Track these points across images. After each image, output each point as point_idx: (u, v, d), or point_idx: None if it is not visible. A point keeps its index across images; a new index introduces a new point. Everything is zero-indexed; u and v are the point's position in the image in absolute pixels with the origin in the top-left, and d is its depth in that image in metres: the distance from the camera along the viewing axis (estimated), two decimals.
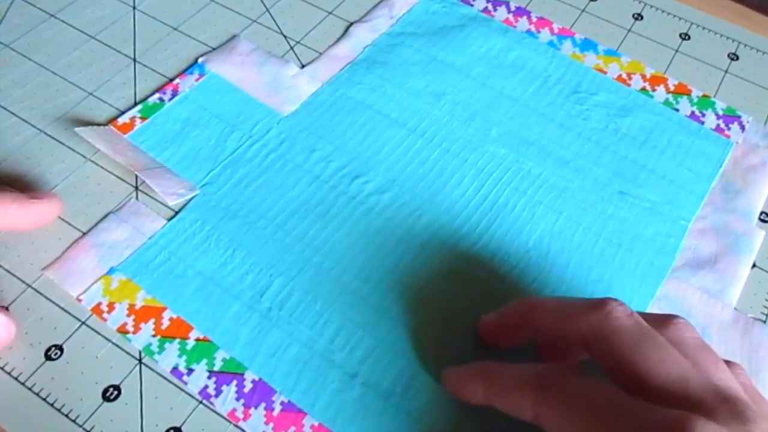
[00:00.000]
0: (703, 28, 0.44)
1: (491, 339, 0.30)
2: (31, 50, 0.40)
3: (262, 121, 0.38)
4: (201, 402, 0.29)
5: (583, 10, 0.45)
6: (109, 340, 0.30)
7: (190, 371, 0.29)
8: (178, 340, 0.30)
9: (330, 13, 0.43)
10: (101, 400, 0.29)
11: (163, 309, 0.31)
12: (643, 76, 0.41)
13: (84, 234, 0.33)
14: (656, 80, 0.41)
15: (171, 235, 0.33)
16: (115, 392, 0.29)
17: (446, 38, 0.42)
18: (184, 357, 0.30)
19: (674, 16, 0.45)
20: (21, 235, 0.33)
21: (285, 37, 0.42)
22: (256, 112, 0.38)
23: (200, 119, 0.37)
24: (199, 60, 0.40)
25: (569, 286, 0.33)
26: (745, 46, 0.44)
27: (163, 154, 0.36)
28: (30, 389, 0.29)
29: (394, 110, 0.38)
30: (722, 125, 0.39)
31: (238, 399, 0.29)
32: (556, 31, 0.43)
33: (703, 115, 0.39)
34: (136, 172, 0.34)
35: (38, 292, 0.31)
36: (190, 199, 0.34)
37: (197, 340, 0.30)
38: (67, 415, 0.28)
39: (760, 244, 0.35)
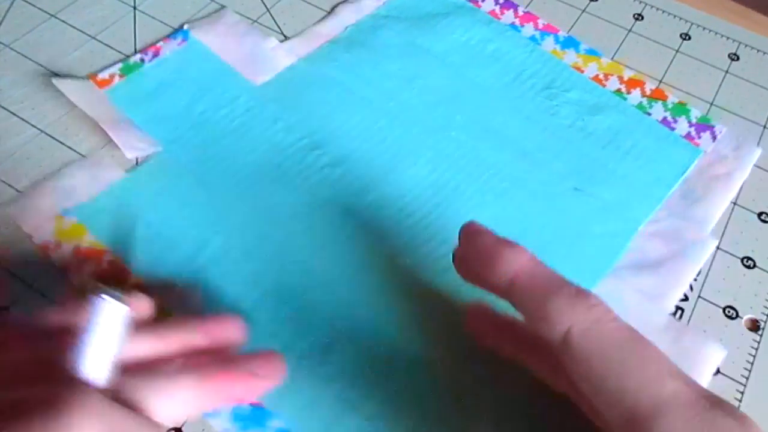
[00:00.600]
0: (704, 28, 0.44)
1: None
2: (31, 50, 0.40)
3: (234, 88, 0.39)
4: None
5: (584, 11, 0.45)
6: None
7: None
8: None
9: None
10: None
11: (105, 251, 0.32)
12: (621, 78, 0.40)
13: (45, 178, 0.35)
14: (633, 83, 0.40)
15: (127, 185, 0.35)
16: None
17: (428, 24, 0.42)
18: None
19: (675, 16, 0.45)
20: (21, 234, 0.33)
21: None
22: (230, 80, 0.39)
23: (175, 82, 0.39)
24: (185, 26, 0.41)
25: None
26: (746, 46, 0.43)
27: (135, 111, 0.37)
28: None
29: (363, 89, 0.39)
30: (693, 133, 0.38)
31: None
32: (540, 26, 0.43)
33: (675, 122, 0.39)
34: (101, 125, 0.35)
35: (38, 292, 0.31)
36: (152, 155, 0.36)
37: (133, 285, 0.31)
38: None
39: (759, 244, 0.35)
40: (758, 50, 0.43)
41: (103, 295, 0.23)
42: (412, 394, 0.29)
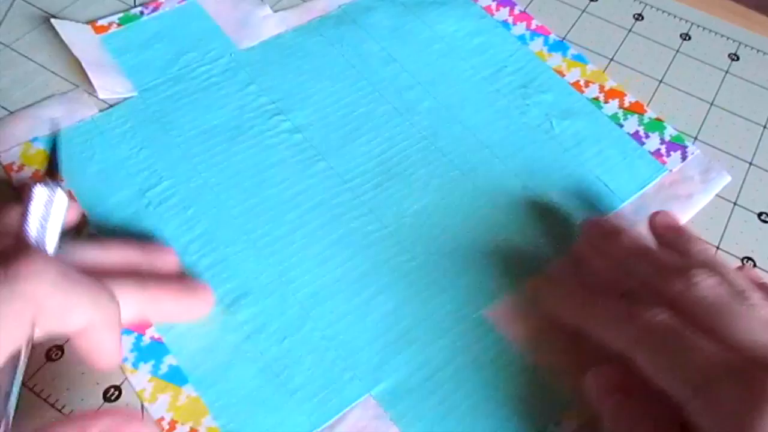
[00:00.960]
0: (704, 28, 0.44)
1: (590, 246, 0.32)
2: (31, 50, 0.40)
3: (218, 49, 0.40)
4: None
5: (584, 11, 0.45)
6: None
7: None
8: None
9: None
10: (102, 401, 0.29)
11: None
12: (601, 87, 0.40)
13: (27, 106, 0.37)
14: (613, 93, 0.39)
15: (96, 123, 0.37)
16: (116, 392, 0.29)
17: (421, 11, 0.43)
18: None
19: (675, 16, 0.45)
20: None
21: None
22: (217, 41, 0.41)
23: (166, 36, 0.41)
24: None
25: (427, 260, 0.33)
26: (746, 46, 0.43)
27: (123, 58, 0.40)
28: (31, 390, 0.29)
29: (340, 65, 0.40)
30: (663, 150, 0.37)
31: None
32: (533, 27, 0.43)
33: (648, 137, 0.38)
34: (84, 64, 0.38)
35: None
36: (126, 100, 0.38)
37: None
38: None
39: (759, 244, 0.34)
40: (758, 50, 0.43)
41: (42, 184, 0.26)
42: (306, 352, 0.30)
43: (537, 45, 0.42)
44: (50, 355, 0.29)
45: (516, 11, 0.44)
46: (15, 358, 0.24)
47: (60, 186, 0.27)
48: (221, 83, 0.39)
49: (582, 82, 0.40)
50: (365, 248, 0.33)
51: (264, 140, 0.37)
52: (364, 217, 0.34)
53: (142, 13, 0.42)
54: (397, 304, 0.31)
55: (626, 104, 0.39)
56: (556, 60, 0.41)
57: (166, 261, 0.31)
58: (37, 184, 0.26)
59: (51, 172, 0.28)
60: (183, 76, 0.39)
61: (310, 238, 0.33)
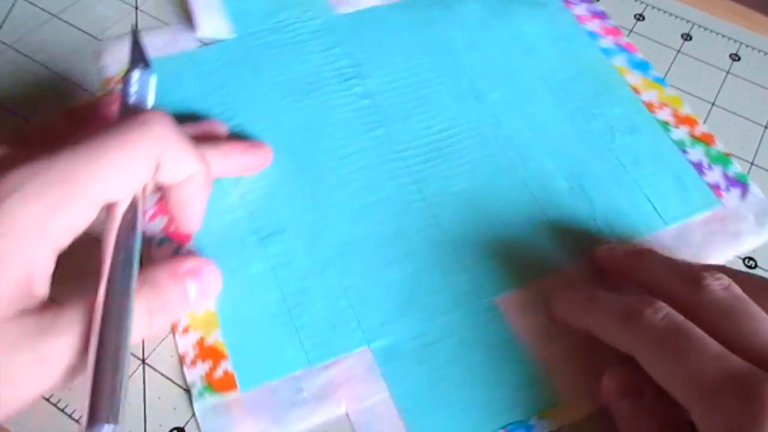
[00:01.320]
0: (705, 28, 0.44)
1: (602, 268, 0.33)
2: (33, 50, 0.40)
3: (315, 10, 0.43)
4: None
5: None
6: None
7: None
8: None
9: None
10: None
11: None
12: (675, 111, 0.39)
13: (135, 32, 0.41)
14: (685, 120, 0.39)
15: (191, 56, 0.41)
16: None
17: (513, 7, 0.44)
18: None
19: (676, 16, 0.45)
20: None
21: None
22: (317, 3, 0.44)
23: None
24: None
25: (456, 238, 0.34)
26: (747, 46, 0.43)
27: (229, 3, 0.43)
28: None
29: (422, 44, 0.42)
30: (723, 185, 0.36)
31: None
32: (621, 42, 0.43)
33: (710, 168, 0.37)
34: (191, 4, 0.42)
35: None
36: (223, 41, 0.41)
37: None
38: (70, 415, 0.28)
39: (759, 246, 0.35)
40: (760, 51, 0.43)
41: (137, 68, 0.31)
42: None
43: (620, 60, 0.42)
44: None
45: (608, 24, 0.44)
46: (134, 207, 0.27)
47: (152, 70, 0.31)
48: (309, 41, 0.42)
49: (656, 103, 0.40)
50: (401, 214, 0.35)
51: (334, 99, 0.39)
52: (408, 186, 0.36)
53: None
54: (417, 271, 0.33)
55: (697, 133, 0.38)
56: (635, 77, 0.41)
57: (219, 128, 0.36)
58: (134, 69, 0.31)
59: (138, 60, 0.32)
60: (278, 28, 0.42)
61: (353, 195, 0.35)
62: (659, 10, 0.46)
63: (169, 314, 0.27)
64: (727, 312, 0.25)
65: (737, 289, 0.26)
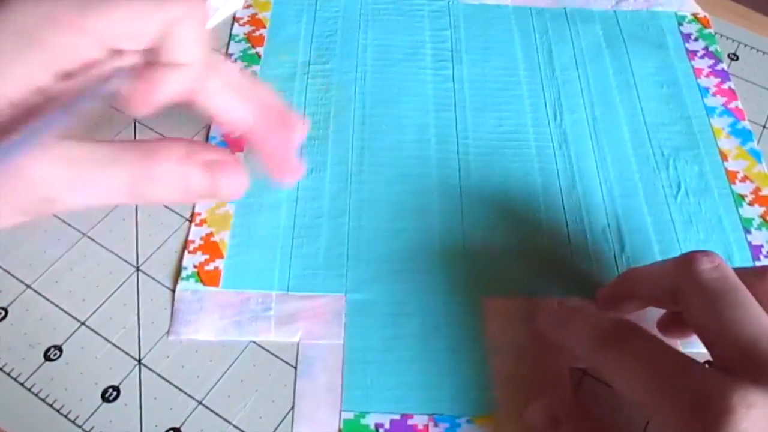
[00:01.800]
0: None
1: (608, 308, 0.30)
2: None
3: None
4: (200, 403, 0.29)
5: None
6: (108, 341, 0.30)
7: None
8: None
9: None
10: (100, 401, 0.29)
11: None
12: (757, 189, 0.36)
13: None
14: (764, 201, 0.36)
15: (314, 2, 0.43)
16: (115, 393, 0.29)
17: (632, 41, 0.42)
18: None
19: None
20: (21, 235, 0.33)
21: None
22: None
23: None
24: None
25: (475, 228, 0.34)
26: (745, 46, 0.43)
27: None
28: (29, 390, 0.29)
29: (528, 51, 0.41)
30: None
31: None
32: (730, 106, 0.40)
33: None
34: None
35: (37, 292, 0.31)
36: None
37: None
38: (66, 416, 0.28)
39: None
40: (758, 50, 0.43)
41: None
42: None
43: (720, 122, 0.39)
44: (48, 355, 0.30)
45: (725, 86, 0.40)
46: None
47: None
48: (424, 18, 0.43)
49: (740, 175, 0.36)
50: (432, 193, 0.35)
51: (421, 74, 0.40)
52: (453, 172, 0.36)
53: None
54: (421, 248, 0.33)
55: None
56: (729, 143, 0.38)
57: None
58: None
59: None
60: (376, 1, 0.43)
61: (397, 161, 0.36)
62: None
63: (157, 189, 0.24)
64: (713, 298, 0.24)
65: (727, 270, 0.24)
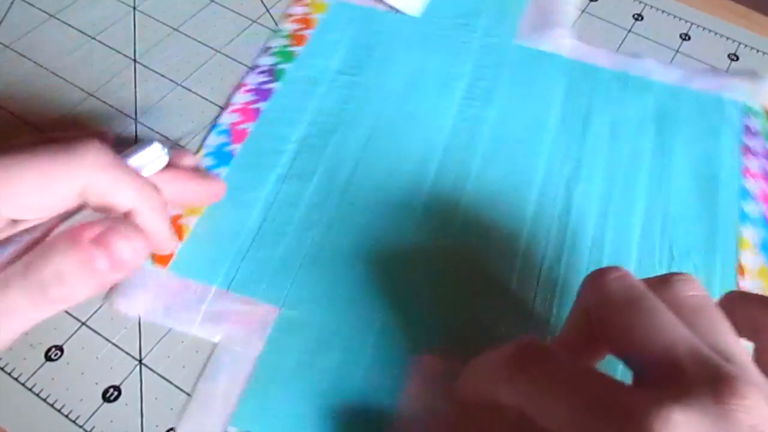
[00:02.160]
0: (704, 28, 0.44)
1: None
2: (31, 51, 0.40)
3: (501, 30, 0.43)
4: None
5: (584, 11, 0.44)
6: (109, 341, 0.30)
7: None
8: None
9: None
10: (101, 401, 0.29)
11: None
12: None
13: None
14: None
15: (368, 12, 0.43)
16: (115, 393, 0.29)
17: (690, 121, 0.39)
18: None
19: (674, 16, 0.45)
20: None
21: None
22: (506, 25, 0.43)
23: None
24: None
25: (453, 259, 0.33)
26: (746, 46, 0.43)
27: None
28: (30, 390, 0.29)
29: (573, 105, 0.39)
30: None
31: None
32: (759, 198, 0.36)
33: None
34: None
35: None
36: (405, 14, 0.43)
37: None
38: (67, 416, 0.28)
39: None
40: (758, 50, 0.43)
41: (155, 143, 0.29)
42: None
43: (752, 234, 0.35)
44: (49, 355, 0.30)
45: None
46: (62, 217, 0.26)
47: (168, 151, 0.29)
48: (473, 51, 0.41)
49: (747, 287, 0.33)
50: (409, 232, 0.33)
51: (447, 106, 0.38)
52: (438, 217, 0.34)
53: None
54: (373, 282, 0.32)
55: None
56: (753, 260, 0.34)
57: (187, 160, 0.32)
58: (155, 142, 0.29)
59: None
60: (459, 28, 0.42)
61: (387, 187, 0.35)
62: (658, 9, 0.45)
63: (68, 288, 0.23)
64: (621, 309, 0.22)
65: (632, 280, 0.23)
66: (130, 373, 0.29)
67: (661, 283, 0.23)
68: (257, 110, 0.37)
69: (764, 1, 0.46)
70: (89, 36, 0.41)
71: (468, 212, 0.34)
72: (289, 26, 0.41)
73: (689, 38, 0.43)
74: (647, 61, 0.41)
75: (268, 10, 0.43)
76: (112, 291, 0.31)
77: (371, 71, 0.39)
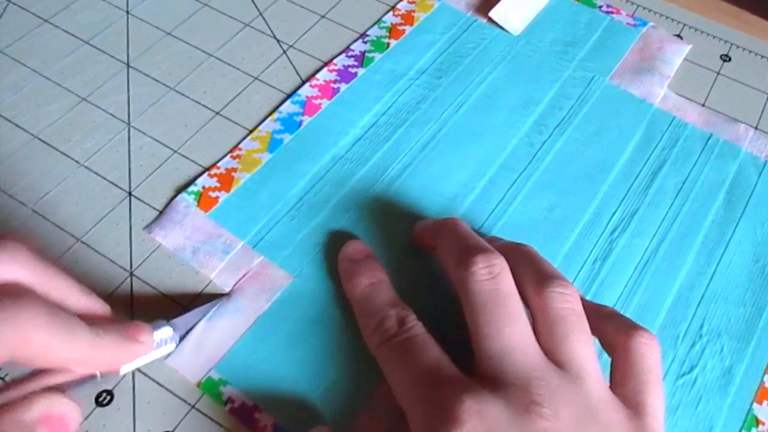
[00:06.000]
0: (696, 29, 0.44)
1: (420, 243, 0.32)
2: (24, 55, 0.40)
3: (593, 65, 0.41)
4: (193, 407, 0.29)
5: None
6: None
7: None
8: None
9: (323, 16, 0.43)
10: (94, 405, 0.28)
11: None
12: None
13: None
14: None
15: (466, 20, 0.43)
16: (108, 397, 0.29)
17: (699, 167, 0.37)
18: None
19: (667, 17, 0.44)
20: (21, 231, 0.33)
21: (278, 41, 0.42)
22: (602, 62, 0.42)
23: (559, 20, 0.44)
24: None
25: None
26: (738, 47, 0.43)
27: (541, 13, 0.44)
28: None
29: (612, 137, 0.38)
30: None
31: None
32: None
33: None
34: None
35: None
36: (500, 32, 0.42)
37: None
38: None
39: None
40: (750, 51, 0.43)
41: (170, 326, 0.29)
42: None
43: None
44: None
45: None
46: None
47: (178, 341, 0.29)
48: (560, 80, 0.40)
49: None
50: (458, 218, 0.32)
51: (514, 129, 0.38)
52: (487, 218, 0.35)
53: None
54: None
55: None
56: None
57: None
58: (166, 325, 0.28)
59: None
60: (551, 52, 0.42)
61: (424, 194, 0.35)
62: (650, 11, 0.45)
63: None
64: (481, 308, 0.25)
65: (505, 281, 0.26)
66: (123, 377, 0.29)
67: (537, 286, 0.26)
68: (336, 90, 0.39)
69: (756, 1, 0.46)
70: (83, 40, 0.41)
71: (502, 234, 0.33)
72: (392, 19, 0.42)
73: (681, 39, 0.43)
74: (739, 127, 0.39)
75: (261, 14, 0.43)
76: (153, 221, 0.33)
77: (453, 78, 0.40)
